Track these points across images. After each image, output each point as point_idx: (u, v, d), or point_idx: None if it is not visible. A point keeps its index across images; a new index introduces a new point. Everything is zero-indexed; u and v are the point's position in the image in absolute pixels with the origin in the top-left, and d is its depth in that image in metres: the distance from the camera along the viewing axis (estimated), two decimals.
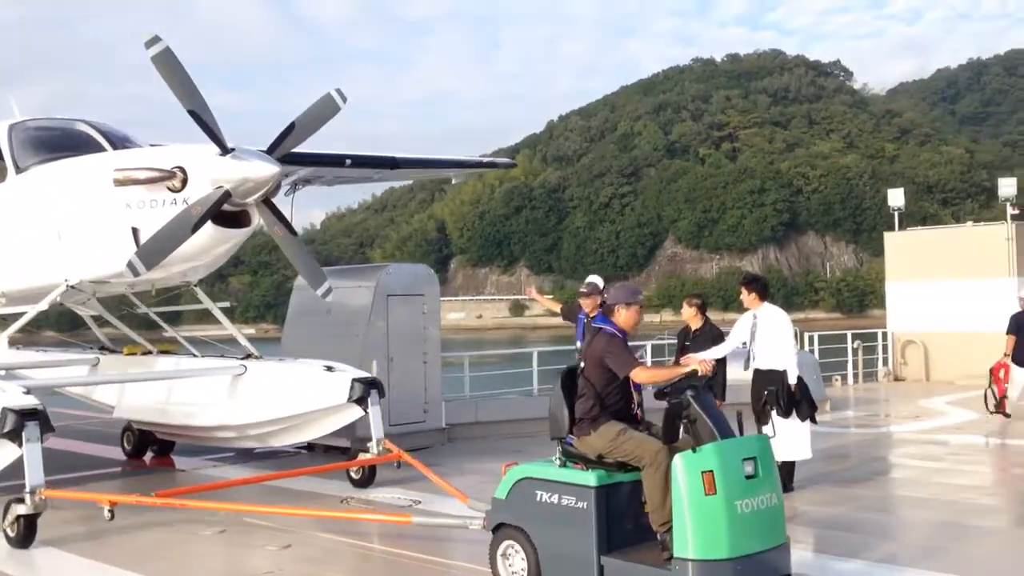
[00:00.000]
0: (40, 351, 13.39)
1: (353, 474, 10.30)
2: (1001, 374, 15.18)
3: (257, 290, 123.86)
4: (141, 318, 12.97)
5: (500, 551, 6.33)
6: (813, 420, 9.66)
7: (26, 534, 8.06)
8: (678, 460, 5.61)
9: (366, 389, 10.22)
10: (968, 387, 17.66)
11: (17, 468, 8.28)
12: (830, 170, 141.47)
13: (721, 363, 9.35)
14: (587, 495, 5.90)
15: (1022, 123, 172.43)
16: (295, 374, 10.88)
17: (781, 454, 8.19)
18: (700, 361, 6.18)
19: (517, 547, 6.21)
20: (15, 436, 8.11)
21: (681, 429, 5.90)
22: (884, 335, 22.75)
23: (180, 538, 8.30)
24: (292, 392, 10.69)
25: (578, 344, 10.81)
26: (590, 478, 5.97)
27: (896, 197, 24.32)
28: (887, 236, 24.44)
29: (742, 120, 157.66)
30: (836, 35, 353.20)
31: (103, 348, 13.18)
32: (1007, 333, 15.20)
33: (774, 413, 9.18)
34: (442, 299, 14.91)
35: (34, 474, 8.13)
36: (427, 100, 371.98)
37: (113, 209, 9.51)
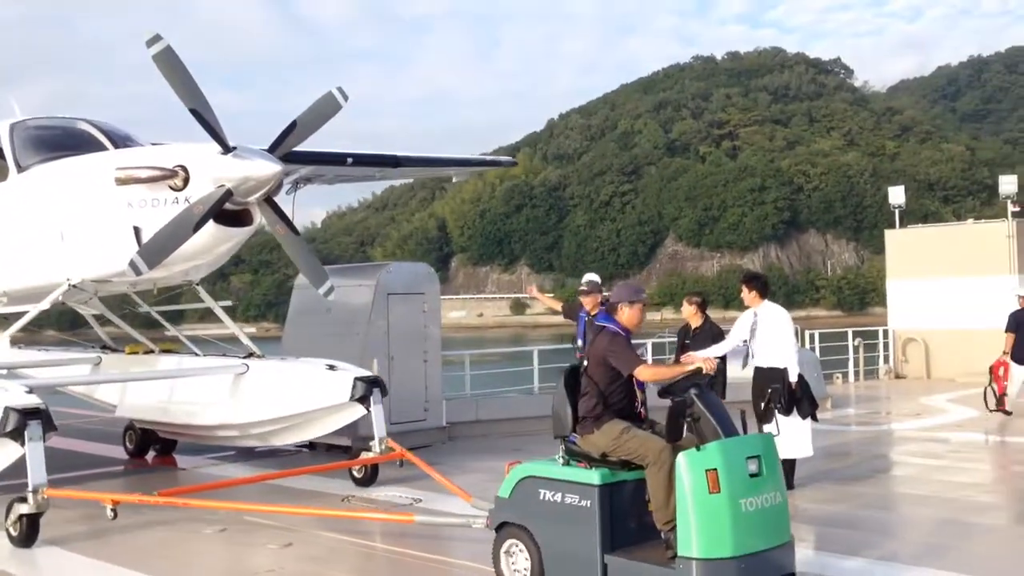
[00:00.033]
0: (42, 350, 13.38)
1: (356, 473, 10.30)
2: (1000, 372, 15.20)
3: (258, 289, 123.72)
4: (143, 317, 12.98)
5: (503, 550, 6.33)
6: (814, 418, 9.66)
7: (29, 533, 8.07)
8: (682, 458, 5.61)
9: (368, 388, 10.21)
10: (969, 384, 17.64)
11: (19, 467, 8.29)
12: (831, 168, 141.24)
13: (721, 361, 9.35)
14: (591, 494, 5.90)
15: (1023, 120, 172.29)
16: (297, 373, 10.87)
17: (782, 452, 8.12)
18: (704, 359, 6.17)
19: (520, 546, 6.21)
20: (17, 435, 8.13)
21: (685, 427, 5.89)
22: (885, 333, 22.73)
23: (182, 537, 8.31)
24: (294, 391, 10.69)
25: (578, 342, 10.82)
26: (594, 477, 5.97)
27: (897, 195, 24.32)
28: (888, 234, 24.44)
29: (743, 118, 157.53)
30: (836, 33, 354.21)
31: (105, 347, 13.18)
32: (1006, 331, 15.22)
33: (777, 411, 9.17)
34: (443, 297, 14.92)
35: (36, 473, 8.14)
36: (427, 98, 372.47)
37: (115, 208, 9.51)
